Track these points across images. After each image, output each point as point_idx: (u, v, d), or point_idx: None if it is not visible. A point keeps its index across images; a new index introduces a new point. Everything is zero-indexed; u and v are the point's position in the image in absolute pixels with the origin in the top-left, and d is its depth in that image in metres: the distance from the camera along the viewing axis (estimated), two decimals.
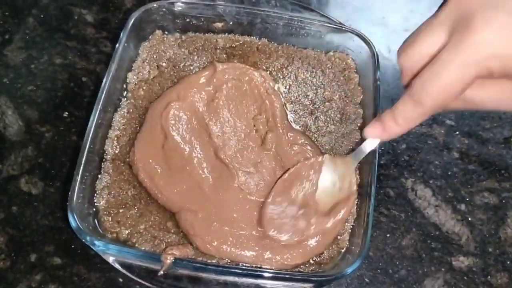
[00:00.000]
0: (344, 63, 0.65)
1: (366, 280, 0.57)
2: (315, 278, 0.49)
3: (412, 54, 0.38)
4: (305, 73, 0.65)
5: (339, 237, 0.54)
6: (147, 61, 0.64)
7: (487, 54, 0.32)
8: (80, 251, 0.57)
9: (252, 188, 0.55)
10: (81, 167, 0.51)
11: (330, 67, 0.65)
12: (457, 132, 0.68)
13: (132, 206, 0.55)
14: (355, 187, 0.53)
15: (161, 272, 0.47)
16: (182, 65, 0.65)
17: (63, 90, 0.69)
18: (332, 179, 0.53)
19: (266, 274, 0.47)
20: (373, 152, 0.54)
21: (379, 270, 0.58)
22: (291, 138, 0.59)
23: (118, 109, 0.60)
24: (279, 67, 0.65)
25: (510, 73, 0.32)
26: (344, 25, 0.64)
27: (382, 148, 0.66)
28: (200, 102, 0.59)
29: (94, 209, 0.54)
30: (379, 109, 0.57)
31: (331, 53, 0.66)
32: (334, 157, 0.54)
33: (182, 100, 0.59)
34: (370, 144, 0.48)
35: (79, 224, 0.48)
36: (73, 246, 0.58)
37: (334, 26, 0.64)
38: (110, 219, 0.54)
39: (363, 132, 0.45)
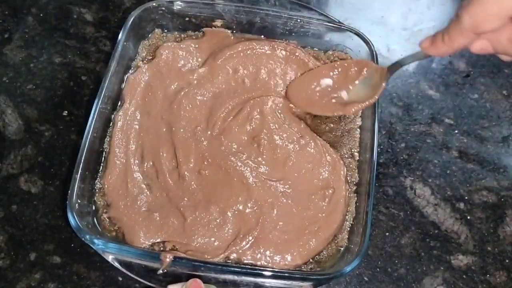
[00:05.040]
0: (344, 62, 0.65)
1: (365, 278, 0.57)
2: (314, 277, 0.49)
3: None
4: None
5: (338, 236, 0.54)
6: (146, 59, 0.64)
7: None
8: (80, 250, 0.57)
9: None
10: (81, 166, 0.51)
11: None
12: (456, 131, 0.68)
13: None
14: (377, 95, 0.56)
15: (161, 271, 0.47)
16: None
17: (63, 89, 0.69)
18: (365, 86, 0.59)
19: (265, 273, 0.47)
20: (372, 150, 0.54)
21: (378, 269, 0.58)
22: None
23: (118, 108, 0.60)
24: None
25: None
26: (343, 24, 0.64)
27: (381, 147, 0.66)
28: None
29: (93, 208, 0.54)
30: (378, 108, 0.57)
31: (330, 52, 0.66)
32: (375, 69, 0.58)
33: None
34: (411, 58, 0.50)
35: (79, 223, 0.48)
36: (72, 245, 0.58)
37: (333, 25, 0.64)
38: (109, 218, 0.54)
39: (419, 42, 0.45)
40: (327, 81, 0.61)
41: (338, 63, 0.61)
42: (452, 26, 0.38)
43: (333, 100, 0.60)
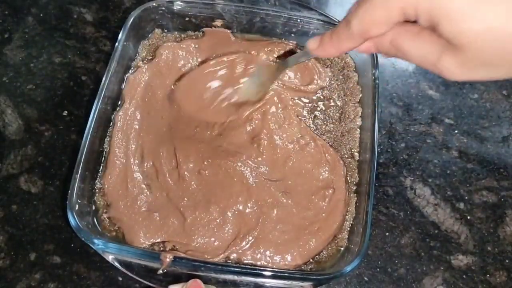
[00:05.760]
0: (343, 62, 0.65)
1: (365, 278, 0.57)
2: (314, 277, 0.49)
3: None
4: None
5: (338, 236, 0.54)
6: (146, 59, 0.64)
7: None
8: (80, 250, 0.57)
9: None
10: (81, 166, 0.51)
11: (329, 65, 0.65)
12: (456, 131, 0.68)
13: None
14: (268, 95, 0.58)
15: (161, 271, 0.47)
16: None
17: (63, 89, 0.69)
18: (254, 82, 0.59)
19: (265, 273, 0.47)
20: (372, 150, 0.54)
21: (378, 269, 0.58)
22: None
23: (118, 108, 0.60)
24: None
25: (435, 20, 0.32)
26: None
27: (381, 147, 0.66)
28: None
29: (93, 208, 0.54)
30: (378, 108, 0.57)
31: None
32: (263, 66, 0.57)
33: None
34: (302, 57, 0.50)
35: (79, 223, 0.48)
36: (72, 245, 0.58)
37: (333, 25, 0.64)
38: (109, 218, 0.54)
39: (306, 42, 0.45)
40: (214, 81, 0.60)
41: (223, 59, 0.61)
42: (341, 30, 0.39)
43: (225, 103, 0.60)
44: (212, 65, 0.62)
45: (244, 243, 0.53)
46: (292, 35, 0.66)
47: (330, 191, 0.55)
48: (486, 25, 0.30)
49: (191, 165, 0.56)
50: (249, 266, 0.51)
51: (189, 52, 0.65)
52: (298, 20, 0.64)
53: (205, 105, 0.60)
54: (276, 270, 0.49)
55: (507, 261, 0.59)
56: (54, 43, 0.73)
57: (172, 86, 0.62)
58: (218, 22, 0.67)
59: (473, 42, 0.31)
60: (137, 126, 0.59)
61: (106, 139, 0.58)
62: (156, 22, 0.66)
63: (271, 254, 0.53)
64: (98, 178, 0.56)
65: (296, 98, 0.63)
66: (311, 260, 0.53)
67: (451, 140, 0.67)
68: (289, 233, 0.54)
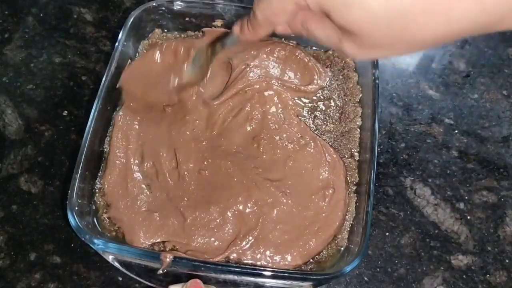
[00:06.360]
0: (343, 62, 0.65)
1: (365, 278, 0.57)
2: (314, 277, 0.49)
3: None
4: None
5: (338, 236, 0.54)
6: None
7: None
8: (80, 250, 0.57)
9: None
10: (81, 166, 0.51)
11: (329, 65, 0.65)
12: (456, 131, 0.68)
13: None
14: (205, 78, 0.60)
15: (161, 271, 0.47)
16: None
17: (63, 89, 0.69)
18: (194, 66, 0.60)
19: (265, 273, 0.47)
20: (372, 150, 0.54)
21: (378, 269, 0.58)
22: None
23: (118, 108, 0.60)
24: None
25: (326, 10, 0.34)
26: None
27: (381, 147, 0.66)
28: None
29: (93, 208, 0.54)
30: (378, 108, 0.57)
31: (330, 52, 0.66)
32: (200, 50, 0.59)
33: None
34: (231, 41, 0.50)
35: (79, 223, 0.48)
36: (72, 245, 0.58)
37: None
38: (109, 218, 0.54)
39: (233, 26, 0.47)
40: (157, 66, 0.61)
41: (164, 45, 0.62)
42: (251, 19, 0.41)
43: (169, 86, 0.60)
44: (154, 52, 0.62)
45: (244, 243, 0.53)
46: (292, 35, 0.66)
47: (330, 191, 0.55)
48: (369, 11, 0.32)
49: (191, 165, 0.56)
50: (249, 266, 0.51)
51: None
52: None
53: (150, 88, 0.61)
54: (276, 270, 0.49)
55: (507, 261, 0.59)
56: (54, 43, 0.73)
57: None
58: (218, 22, 0.67)
59: (363, 29, 0.33)
60: (137, 126, 0.59)
61: (106, 139, 0.58)
62: (156, 22, 0.66)
63: (271, 254, 0.53)
64: (98, 178, 0.56)
65: (296, 98, 0.63)
66: (311, 260, 0.53)
67: (451, 140, 0.67)
68: (289, 233, 0.54)
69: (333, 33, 0.37)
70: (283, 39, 0.66)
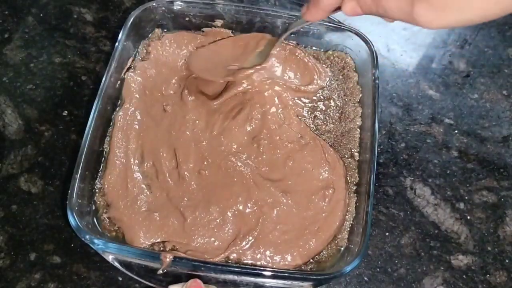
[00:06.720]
0: (343, 61, 0.66)
1: (365, 278, 0.57)
2: (314, 277, 0.49)
3: None
4: None
5: (338, 236, 0.54)
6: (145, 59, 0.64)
7: None
8: (80, 250, 0.57)
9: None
10: (81, 166, 0.51)
11: (329, 65, 0.65)
12: (456, 131, 0.68)
13: None
14: (266, 63, 0.61)
15: (161, 271, 0.47)
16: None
17: (63, 89, 0.69)
18: (258, 56, 0.62)
19: (265, 273, 0.47)
20: (372, 150, 0.54)
21: (378, 269, 0.58)
22: None
23: (118, 108, 0.60)
24: None
25: None
26: (343, 24, 0.64)
27: (381, 147, 0.66)
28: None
29: (93, 208, 0.54)
30: (378, 108, 0.57)
31: (330, 52, 0.66)
32: (267, 40, 0.62)
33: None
34: (295, 25, 0.53)
35: (79, 223, 0.48)
36: (72, 245, 0.58)
37: (333, 25, 0.64)
38: (109, 218, 0.54)
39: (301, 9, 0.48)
40: (226, 53, 0.64)
41: (239, 37, 0.65)
42: None
43: (228, 68, 0.62)
44: (229, 41, 0.65)
45: (244, 243, 0.53)
46: (292, 35, 0.66)
47: (330, 191, 0.55)
48: None
49: (191, 165, 0.56)
50: (249, 266, 0.51)
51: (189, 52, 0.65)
52: None
53: (210, 68, 0.62)
54: (276, 270, 0.49)
55: (507, 261, 0.59)
56: (54, 43, 0.73)
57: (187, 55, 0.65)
58: (218, 22, 0.67)
59: None
60: (137, 126, 0.59)
61: (106, 139, 0.58)
62: (156, 22, 0.66)
63: (271, 254, 0.53)
64: (98, 178, 0.56)
65: (296, 98, 0.63)
66: (311, 260, 0.53)
67: (451, 140, 0.67)
68: (289, 233, 0.54)
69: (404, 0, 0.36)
70: (283, 39, 0.66)
